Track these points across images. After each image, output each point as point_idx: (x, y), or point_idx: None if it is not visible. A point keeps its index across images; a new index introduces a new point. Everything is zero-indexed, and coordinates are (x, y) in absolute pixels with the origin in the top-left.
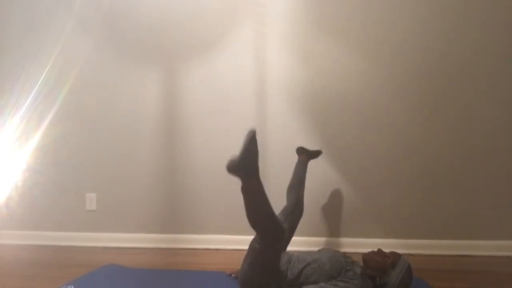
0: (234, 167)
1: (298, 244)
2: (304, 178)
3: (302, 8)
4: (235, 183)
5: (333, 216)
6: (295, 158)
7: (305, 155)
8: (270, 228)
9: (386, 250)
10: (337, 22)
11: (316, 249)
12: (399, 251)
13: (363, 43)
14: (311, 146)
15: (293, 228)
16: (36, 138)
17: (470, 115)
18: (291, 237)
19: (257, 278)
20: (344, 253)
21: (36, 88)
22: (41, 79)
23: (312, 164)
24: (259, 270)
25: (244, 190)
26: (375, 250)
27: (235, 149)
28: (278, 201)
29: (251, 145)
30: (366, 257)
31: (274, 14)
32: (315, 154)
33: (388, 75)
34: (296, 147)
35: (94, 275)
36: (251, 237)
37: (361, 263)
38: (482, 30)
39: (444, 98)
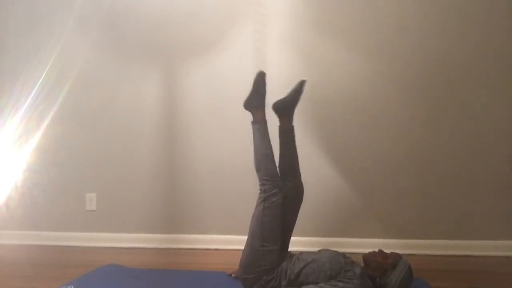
0: (247, 102)
1: (298, 244)
2: (296, 151)
3: (302, 8)
4: (235, 183)
5: (333, 216)
6: None
7: (286, 112)
8: (271, 168)
9: (387, 251)
10: (337, 22)
11: (316, 249)
12: (399, 251)
13: (363, 43)
14: (310, 145)
15: (293, 219)
16: (36, 138)
17: (470, 115)
18: (294, 224)
19: (258, 251)
20: (344, 253)
21: (36, 88)
22: (41, 79)
23: (312, 164)
24: (260, 237)
25: (254, 122)
26: (376, 250)
27: (235, 148)
28: None
29: (260, 83)
30: (367, 257)
31: (274, 14)
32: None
33: (388, 75)
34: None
35: (94, 275)
36: None
37: (362, 263)
38: (482, 30)
39: (444, 98)
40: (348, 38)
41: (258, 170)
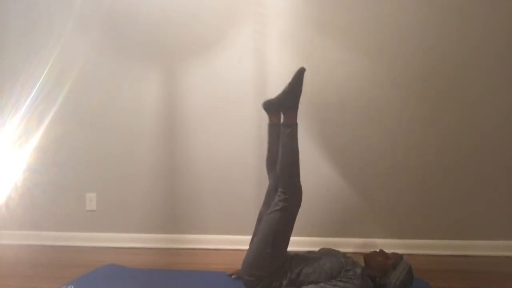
0: (280, 98)
1: (298, 244)
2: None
3: (302, 8)
4: (235, 183)
5: (333, 216)
6: None
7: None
8: (297, 176)
9: (387, 251)
10: (337, 22)
11: (316, 249)
12: (399, 251)
13: (363, 43)
14: (310, 145)
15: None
16: (36, 138)
17: (470, 115)
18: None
19: (266, 255)
20: (344, 253)
21: (36, 88)
22: (41, 79)
23: (311, 164)
24: (270, 244)
25: (286, 122)
26: (377, 250)
27: (235, 148)
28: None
29: (300, 80)
30: (367, 257)
31: (274, 14)
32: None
33: (388, 75)
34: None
35: (94, 275)
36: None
37: (362, 263)
38: (482, 30)
39: (443, 98)
40: (348, 38)
41: (282, 174)
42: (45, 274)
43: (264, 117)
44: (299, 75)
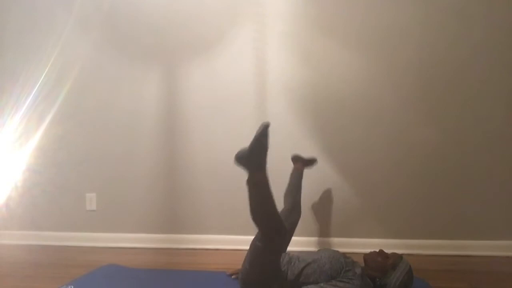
0: (242, 159)
1: (298, 244)
2: (300, 185)
3: (302, 8)
4: (235, 183)
5: (333, 216)
6: None
7: (300, 162)
8: (272, 224)
9: (387, 251)
10: (337, 22)
11: (316, 249)
12: (399, 251)
13: (363, 43)
14: (310, 146)
15: (291, 230)
16: (36, 138)
17: (470, 115)
18: (290, 239)
19: (257, 277)
20: (344, 253)
21: (36, 88)
22: (41, 79)
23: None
24: (259, 269)
25: (250, 183)
26: (377, 250)
27: (235, 148)
28: (276, 202)
29: (262, 138)
30: (367, 257)
31: (274, 14)
32: (310, 162)
33: (388, 75)
34: (291, 155)
35: (94, 275)
36: (251, 237)
37: (362, 263)
38: (482, 30)
39: (443, 98)
40: (348, 38)
41: (255, 222)
42: (45, 274)
43: (264, 117)
44: (262, 132)
